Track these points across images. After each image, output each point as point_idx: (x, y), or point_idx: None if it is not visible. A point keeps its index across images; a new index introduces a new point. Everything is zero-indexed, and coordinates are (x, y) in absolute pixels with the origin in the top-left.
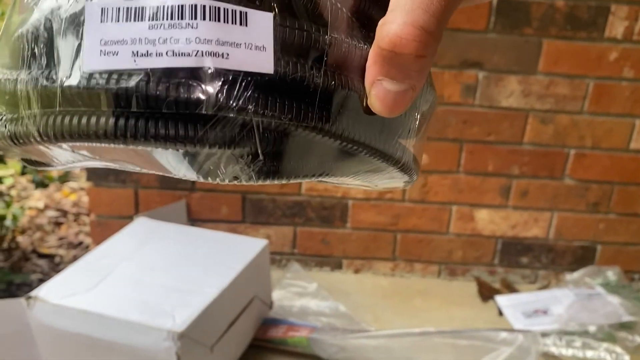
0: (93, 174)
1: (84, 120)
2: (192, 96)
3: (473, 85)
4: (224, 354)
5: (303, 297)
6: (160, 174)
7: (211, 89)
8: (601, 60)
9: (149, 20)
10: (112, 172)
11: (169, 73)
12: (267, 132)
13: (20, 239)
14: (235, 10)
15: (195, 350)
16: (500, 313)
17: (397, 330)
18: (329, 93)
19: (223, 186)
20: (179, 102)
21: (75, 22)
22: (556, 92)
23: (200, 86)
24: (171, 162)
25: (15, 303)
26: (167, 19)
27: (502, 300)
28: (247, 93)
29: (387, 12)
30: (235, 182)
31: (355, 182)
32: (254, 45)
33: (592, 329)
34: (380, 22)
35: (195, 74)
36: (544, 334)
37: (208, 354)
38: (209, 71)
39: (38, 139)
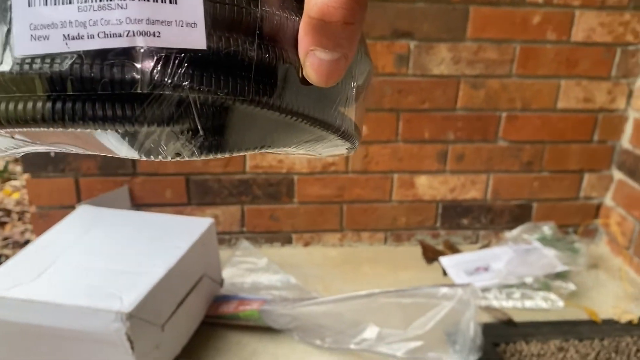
0: (31, 165)
1: (20, 105)
2: (126, 76)
3: (405, 55)
4: (176, 332)
5: (254, 272)
6: (104, 154)
7: (145, 67)
8: (526, 25)
9: (78, 2)
10: (50, 161)
11: (102, 54)
12: (205, 108)
13: None
14: None
15: (145, 330)
16: (445, 273)
17: (345, 295)
18: (264, 66)
19: (165, 169)
20: (113, 82)
21: (3, 7)
22: (485, 57)
23: (134, 66)
24: (112, 142)
25: None
26: (96, 1)
27: (445, 261)
28: (182, 70)
29: None
30: (178, 159)
31: (299, 152)
32: (184, 22)
33: (529, 280)
34: None
35: (128, 54)
36: (486, 289)
37: (159, 333)
38: (142, 50)
39: None
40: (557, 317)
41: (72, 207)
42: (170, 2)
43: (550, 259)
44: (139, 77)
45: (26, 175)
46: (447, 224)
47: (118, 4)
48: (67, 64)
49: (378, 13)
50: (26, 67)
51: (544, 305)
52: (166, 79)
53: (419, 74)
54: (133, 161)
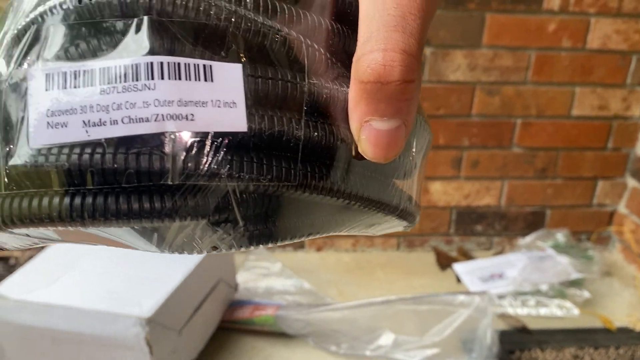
0: None
1: (34, 202)
2: (154, 166)
3: (422, 61)
4: (192, 337)
5: (268, 277)
6: (129, 249)
7: (176, 155)
8: (541, 32)
9: (100, 84)
10: None
11: (126, 142)
12: (246, 195)
13: None
14: (197, 65)
15: (163, 335)
16: (458, 280)
17: (360, 301)
18: (313, 145)
19: None
20: (140, 173)
21: (18, 92)
22: (500, 64)
23: (164, 154)
24: (133, 240)
25: None
26: (120, 82)
27: (459, 267)
28: (219, 156)
29: (360, 44)
30: (215, 253)
31: (352, 233)
32: (222, 101)
33: (544, 287)
34: (355, 57)
35: (156, 141)
36: (501, 296)
37: (176, 338)
38: (172, 136)
39: None
40: (572, 325)
41: None
42: (206, 80)
43: (564, 266)
44: (169, 166)
45: None
46: (461, 230)
47: (145, 85)
48: (87, 154)
49: None
50: (41, 159)
51: (559, 313)
52: (201, 168)
53: (434, 80)
54: None
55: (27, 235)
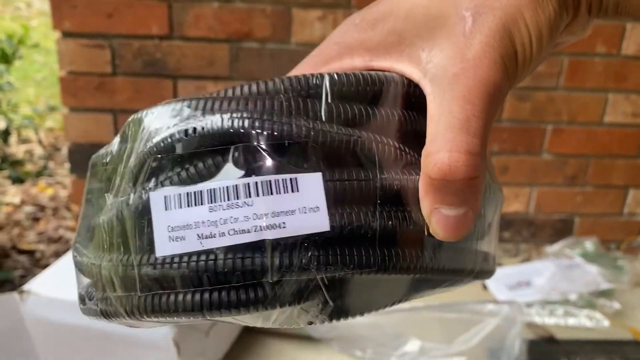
0: (78, 167)
1: (163, 298)
2: (256, 267)
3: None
4: (219, 338)
5: None
6: (234, 324)
7: (273, 258)
8: None
9: (208, 203)
10: None
11: (232, 250)
12: (332, 282)
13: None
14: (285, 180)
15: (191, 336)
16: (485, 287)
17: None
18: (388, 232)
19: None
20: (245, 274)
21: (143, 212)
22: None
23: (263, 257)
24: (246, 319)
25: (8, 298)
26: (224, 200)
27: None
28: (308, 254)
29: (428, 142)
30: (311, 325)
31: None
32: (307, 207)
33: (572, 297)
34: (424, 153)
35: (256, 247)
36: (528, 305)
37: (203, 339)
38: (269, 242)
39: (125, 317)
40: (601, 336)
41: None
42: (292, 191)
43: (593, 275)
44: (268, 266)
45: (73, 176)
46: None
47: (245, 202)
48: (202, 261)
49: None
50: (167, 267)
51: (589, 324)
52: (294, 265)
53: None
54: None
55: (158, 322)
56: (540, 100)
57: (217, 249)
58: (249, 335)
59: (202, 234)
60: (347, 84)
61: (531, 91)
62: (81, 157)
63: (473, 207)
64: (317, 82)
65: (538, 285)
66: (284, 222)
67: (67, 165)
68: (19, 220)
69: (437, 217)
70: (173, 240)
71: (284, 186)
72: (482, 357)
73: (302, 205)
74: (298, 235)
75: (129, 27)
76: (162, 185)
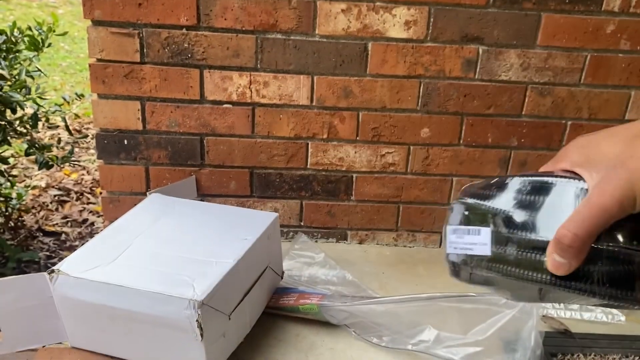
0: (104, 152)
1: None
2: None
3: (474, 59)
4: (241, 321)
5: (311, 266)
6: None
7: None
8: (598, 33)
9: (469, 234)
10: (123, 149)
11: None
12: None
13: (25, 217)
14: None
15: (214, 318)
16: None
17: (404, 296)
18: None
19: (231, 162)
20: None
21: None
22: (554, 64)
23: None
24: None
25: (39, 277)
26: (464, 234)
27: None
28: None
29: (565, 219)
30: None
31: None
32: None
33: None
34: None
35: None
36: None
37: (226, 322)
38: None
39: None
40: (617, 331)
41: (141, 194)
42: None
43: None
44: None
45: (99, 162)
46: None
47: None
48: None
49: (449, 17)
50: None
51: (605, 318)
52: None
53: (486, 79)
54: (202, 152)
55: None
56: (561, 96)
57: (473, 255)
58: (268, 319)
59: (460, 249)
60: None
61: (552, 87)
62: (109, 143)
63: (570, 262)
64: None
65: None
66: None
67: (92, 151)
68: (45, 203)
69: (551, 257)
70: (454, 249)
71: None
72: (498, 348)
73: None
74: None
75: (158, 16)
76: (450, 225)
